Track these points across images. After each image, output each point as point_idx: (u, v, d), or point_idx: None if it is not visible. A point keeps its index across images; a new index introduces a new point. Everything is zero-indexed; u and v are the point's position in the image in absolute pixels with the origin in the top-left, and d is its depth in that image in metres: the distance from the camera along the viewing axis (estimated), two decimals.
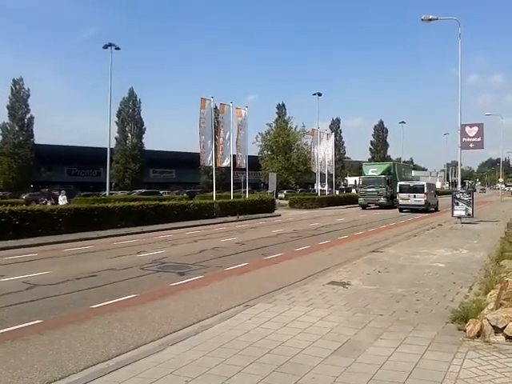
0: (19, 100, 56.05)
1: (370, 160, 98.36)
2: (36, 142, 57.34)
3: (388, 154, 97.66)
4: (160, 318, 7.00)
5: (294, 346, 5.28)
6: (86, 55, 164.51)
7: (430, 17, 23.01)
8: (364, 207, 39.63)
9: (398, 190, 35.87)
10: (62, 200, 29.30)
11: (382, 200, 38.74)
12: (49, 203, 30.18)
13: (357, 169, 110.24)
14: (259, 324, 6.14)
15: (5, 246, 15.11)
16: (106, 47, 39.31)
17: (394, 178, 40.51)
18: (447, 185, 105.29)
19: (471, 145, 23.73)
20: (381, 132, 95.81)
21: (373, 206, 39.33)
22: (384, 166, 43.59)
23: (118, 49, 39.52)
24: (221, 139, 32.32)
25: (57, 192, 35.82)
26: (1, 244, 15.22)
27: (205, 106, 30.21)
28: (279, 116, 64.67)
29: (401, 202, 34.71)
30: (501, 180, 77.62)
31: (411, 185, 35.16)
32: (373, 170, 41.59)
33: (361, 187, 40.84)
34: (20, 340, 6.05)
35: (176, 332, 6.21)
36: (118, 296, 8.34)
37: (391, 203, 38.78)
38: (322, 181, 49.93)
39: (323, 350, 5.14)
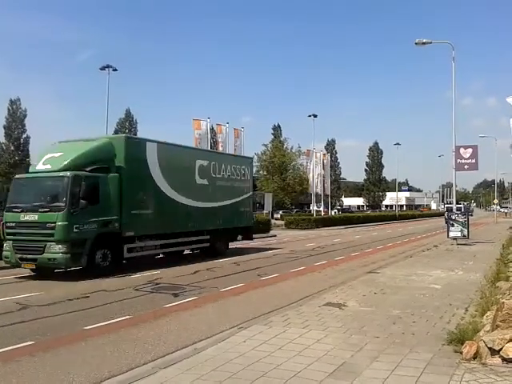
0: (16, 120, 56.18)
1: (365, 181, 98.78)
2: (31, 162, 57.29)
3: (383, 174, 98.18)
4: (153, 340, 6.90)
5: (289, 368, 5.20)
6: (84, 76, 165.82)
7: (424, 40, 23.32)
8: (14, 266, 13.69)
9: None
10: None
11: (57, 252, 12.51)
12: None
13: (352, 189, 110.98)
14: (254, 346, 6.06)
15: None
16: (103, 69, 39.45)
17: (137, 181, 14.79)
18: (442, 206, 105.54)
19: (466, 166, 23.85)
20: (376, 153, 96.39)
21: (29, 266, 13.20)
22: (84, 146, 14.57)
23: (115, 70, 39.70)
24: None
25: None
26: None
27: (200, 127, 30.37)
28: (275, 137, 65.01)
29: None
30: (496, 201, 77.98)
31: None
32: (49, 159, 13.92)
33: (8, 210, 13.67)
34: (11, 362, 5.94)
35: (169, 354, 6.10)
36: (111, 317, 8.24)
37: (100, 262, 13.34)
38: (318, 201, 50.02)
39: (319, 372, 5.07)
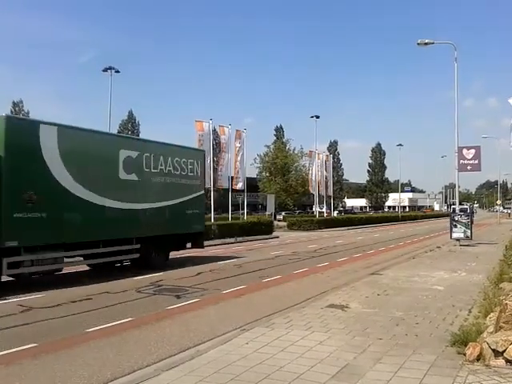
0: None
1: (368, 182, 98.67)
2: None
3: (386, 176, 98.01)
4: (156, 342, 6.89)
5: (292, 370, 5.19)
6: (84, 76, 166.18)
7: (426, 41, 23.30)
8: None
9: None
10: None
11: None
12: None
13: (355, 190, 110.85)
14: (256, 348, 6.05)
15: None
16: (105, 70, 39.35)
17: (25, 175, 11.23)
18: (445, 207, 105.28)
19: (469, 167, 23.79)
20: (378, 154, 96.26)
21: None
22: None
23: (117, 72, 39.63)
24: (221, 160, 32.53)
25: None
26: None
27: (202, 128, 30.39)
28: (277, 138, 64.99)
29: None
30: (499, 202, 77.80)
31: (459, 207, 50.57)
32: None
33: None
34: (14, 364, 5.94)
35: (172, 357, 6.09)
36: (114, 320, 8.24)
37: None
38: (320, 202, 50.01)
39: (322, 374, 5.06)
